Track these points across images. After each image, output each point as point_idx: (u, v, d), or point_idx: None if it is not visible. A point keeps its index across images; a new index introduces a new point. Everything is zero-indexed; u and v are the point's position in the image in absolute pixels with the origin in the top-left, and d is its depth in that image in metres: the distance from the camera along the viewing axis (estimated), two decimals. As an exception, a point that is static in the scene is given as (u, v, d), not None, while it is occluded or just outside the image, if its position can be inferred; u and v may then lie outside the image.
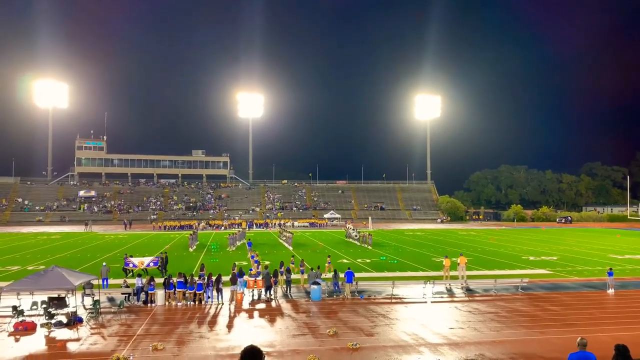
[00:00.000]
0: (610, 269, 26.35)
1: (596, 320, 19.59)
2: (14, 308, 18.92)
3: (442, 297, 23.87)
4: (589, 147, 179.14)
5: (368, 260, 36.84)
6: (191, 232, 54.66)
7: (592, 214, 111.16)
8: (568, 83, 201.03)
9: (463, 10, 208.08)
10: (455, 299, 23.64)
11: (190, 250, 44.38)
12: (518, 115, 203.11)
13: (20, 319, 18.50)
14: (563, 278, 29.55)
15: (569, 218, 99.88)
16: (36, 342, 16.59)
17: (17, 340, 16.78)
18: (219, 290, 22.62)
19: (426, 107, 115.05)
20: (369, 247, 46.28)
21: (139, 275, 24.18)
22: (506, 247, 48.21)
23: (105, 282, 24.89)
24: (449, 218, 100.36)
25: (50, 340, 16.87)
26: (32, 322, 18.28)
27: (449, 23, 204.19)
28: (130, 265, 28.43)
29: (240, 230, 58.85)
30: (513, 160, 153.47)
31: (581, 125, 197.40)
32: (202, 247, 46.60)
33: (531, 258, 38.92)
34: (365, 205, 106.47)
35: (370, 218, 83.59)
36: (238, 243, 48.19)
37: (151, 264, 29.57)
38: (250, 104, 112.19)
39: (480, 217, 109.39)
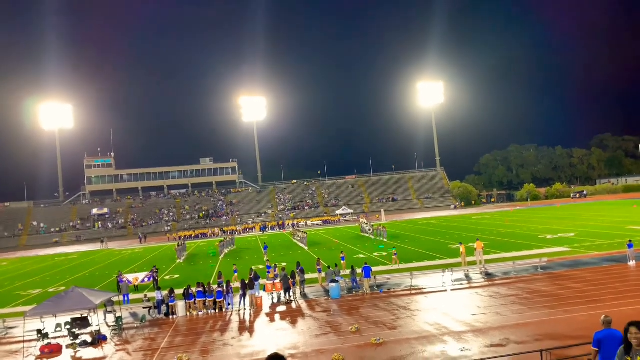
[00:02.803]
0: (630, 240, 26.03)
1: (620, 294, 19.35)
2: (39, 332, 19.12)
3: (461, 284, 23.74)
4: (597, 119, 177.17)
5: (384, 254, 36.75)
6: (221, 239, 55.21)
7: (606, 186, 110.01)
8: (570, 57, 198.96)
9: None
10: (475, 284, 23.51)
11: (180, 261, 44.07)
12: (523, 94, 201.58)
13: (46, 342, 18.69)
14: (582, 254, 29.26)
15: (584, 192, 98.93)
16: (63, 364, 16.74)
17: (44, 363, 16.95)
18: (244, 295, 22.61)
19: (430, 94, 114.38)
20: (384, 240, 46.17)
21: (159, 288, 24.36)
22: (522, 227, 47.85)
23: (126, 298, 25.08)
24: (462, 204, 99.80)
25: (76, 361, 17.02)
26: (58, 344, 18.46)
27: (448, 8, 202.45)
28: (125, 281, 28.41)
29: (229, 237, 59.02)
30: (522, 139, 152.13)
31: (588, 98, 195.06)
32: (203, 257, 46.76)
33: (548, 236, 38.59)
34: (377, 198, 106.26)
35: (382, 210, 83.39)
36: (226, 250, 48.34)
37: (145, 280, 29.93)
38: (253, 107, 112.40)
39: (492, 200, 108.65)
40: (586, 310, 17.35)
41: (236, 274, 28.58)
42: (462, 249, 28.77)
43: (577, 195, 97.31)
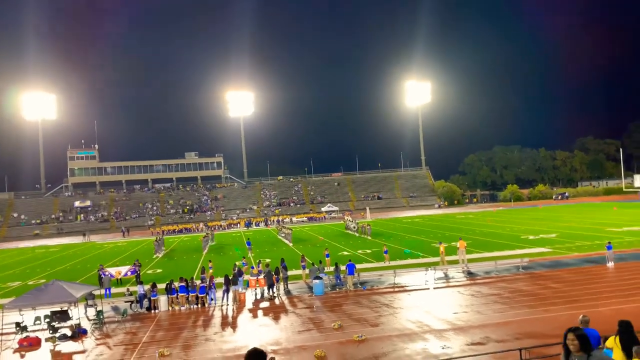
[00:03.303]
0: (609, 242, 26.51)
1: (598, 294, 19.71)
2: (17, 324, 18.84)
3: (443, 283, 23.95)
4: (580, 122, 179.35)
5: (369, 251, 36.90)
6: (204, 234, 55.22)
7: (588, 188, 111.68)
8: (554, 60, 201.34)
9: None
10: (456, 283, 23.73)
11: (158, 256, 43.61)
12: (508, 95, 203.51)
13: (24, 334, 18.43)
14: (563, 255, 29.71)
15: (566, 194, 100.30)
16: (42, 357, 16.54)
17: (22, 356, 16.73)
18: (227, 291, 22.52)
19: (417, 94, 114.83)
20: (369, 238, 46.35)
21: (141, 283, 24.16)
22: (504, 227, 48.40)
23: (107, 292, 24.83)
24: (446, 203, 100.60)
25: (55, 354, 16.82)
26: (37, 337, 18.21)
27: (436, 9, 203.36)
28: (107, 275, 28.10)
29: (210, 232, 59.14)
30: (506, 140, 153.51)
31: (571, 101, 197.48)
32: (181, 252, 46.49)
33: (530, 237, 39.09)
34: (363, 196, 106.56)
35: (367, 208, 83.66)
36: (207, 245, 48.25)
37: (128, 273, 29.74)
38: (240, 102, 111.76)
39: (475, 200, 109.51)
40: (565, 310, 17.63)
41: (211, 270, 28.46)
42: (441, 248, 29.04)
43: (559, 197, 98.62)
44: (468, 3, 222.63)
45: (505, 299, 19.75)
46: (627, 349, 7.96)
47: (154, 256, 43.45)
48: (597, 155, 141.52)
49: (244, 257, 34.90)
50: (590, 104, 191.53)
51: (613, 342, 8.29)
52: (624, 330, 8.16)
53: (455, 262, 28.12)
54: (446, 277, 25.20)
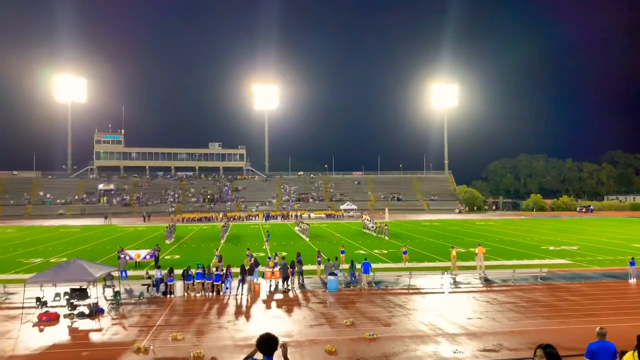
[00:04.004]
0: (632, 258, 25.89)
1: (617, 310, 19.31)
2: (38, 299, 19.36)
3: (459, 288, 23.75)
4: (610, 135, 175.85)
5: (385, 251, 36.79)
6: (223, 224, 56.15)
7: (614, 202, 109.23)
8: (589, 69, 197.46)
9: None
10: (473, 289, 23.50)
11: (167, 242, 44.40)
12: (537, 103, 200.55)
13: (44, 309, 18.92)
14: (583, 268, 29.16)
15: (591, 207, 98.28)
16: (59, 332, 16.96)
17: (41, 330, 17.18)
18: (242, 281, 22.73)
19: (443, 96, 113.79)
20: (386, 238, 46.20)
21: (159, 267, 24.51)
22: (525, 236, 47.69)
23: (124, 274, 25.26)
24: (467, 208, 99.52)
25: (73, 331, 17.23)
26: (56, 312, 18.68)
27: (466, 10, 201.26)
28: (126, 257, 28.57)
29: (227, 222, 60.28)
30: (532, 149, 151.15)
31: (603, 112, 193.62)
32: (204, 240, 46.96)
33: (551, 248, 38.45)
34: (382, 196, 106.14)
35: (386, 209, 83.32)
36: (225, 235, 49.46)
37: (147, 257, 30.12)
38: (266, 95, 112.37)
39: (494, 207, 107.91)
40: (582, 323, 17.32)
41: (216, 259, 28.57)
42: (453, 252, 28.80)
43: (584, 210, 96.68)
44: (500, 2, 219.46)
45: (520, 308, 19.49)
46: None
47: (166, 242, 44.18)
48: (625, 169, 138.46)
49: (249, 248, 34.93)
50: (622, 117, 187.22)
51: (631, 357, 8.14)
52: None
53: (473, 267, 27.86)
54: (455, 282, 24.92)
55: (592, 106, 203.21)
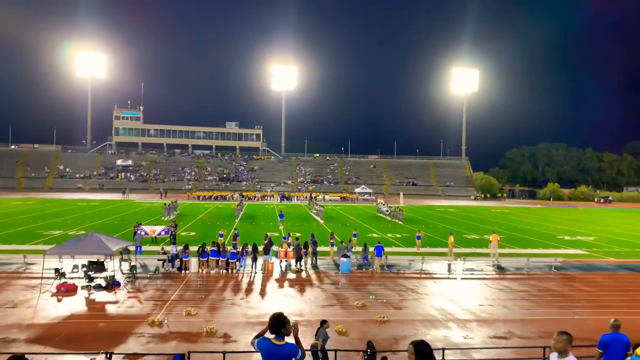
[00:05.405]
0: (650, 251, 25.54)
1: (632, 302, 19.13)
2: (57, 270, 19.82)
3: (472, 274, 23.70)
4: (633, 125, 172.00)
5: (398, 235, 36.79)
6: (237, 203, 56.51)
7: (633, 194, 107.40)
8: (611, 57, 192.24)
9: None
10: (486, 276, 23.44)
11: (163, 218, 44.77)
12: (559, 91, 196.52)
13: (62, 280, 19.39)
14: (599, 259, 28.85)
15: (609, 198, 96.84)
16: (77, 303, 17.37)
17: (59, 300, 17.62)
18: (255, 259, 22.99)
19: (463, 81, 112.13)
20: (400, 222, 46.14)
21: (175, 243, 24.87)
22: (540, 225, 47.24)
23: (138, 249, 25.63)
24: (482, 195, 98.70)
25: (90, 302, 17.64)
26: (74, 284, 19.12)
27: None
28: (141, 232, 28.95)
29: (241, 201, 60.93)
30: (552, 137, 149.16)
31: (626, 102, 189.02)
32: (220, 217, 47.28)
33: (566, 238, 38.07)
34: (397, 181, 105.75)
35: (401, 193, 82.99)
36: (240, 213, 50.17)
37: (162, 233, 30.50)
38: (284, 76, 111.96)
39: (504, 194, 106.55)
40: (595, 314, 17.20)
41: (221, 238, 28.76)
42: (450, 239, 28.67)
43: (602, 200, 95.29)
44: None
45: (533, 297, 19.41)
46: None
47: (162, 218, 44.55)
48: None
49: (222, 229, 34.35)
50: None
51: (643, 350, 8.07)
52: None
53: (487, 254, 27.74)
54: (449, 268, 24.79)
55: (615, 95, 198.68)
